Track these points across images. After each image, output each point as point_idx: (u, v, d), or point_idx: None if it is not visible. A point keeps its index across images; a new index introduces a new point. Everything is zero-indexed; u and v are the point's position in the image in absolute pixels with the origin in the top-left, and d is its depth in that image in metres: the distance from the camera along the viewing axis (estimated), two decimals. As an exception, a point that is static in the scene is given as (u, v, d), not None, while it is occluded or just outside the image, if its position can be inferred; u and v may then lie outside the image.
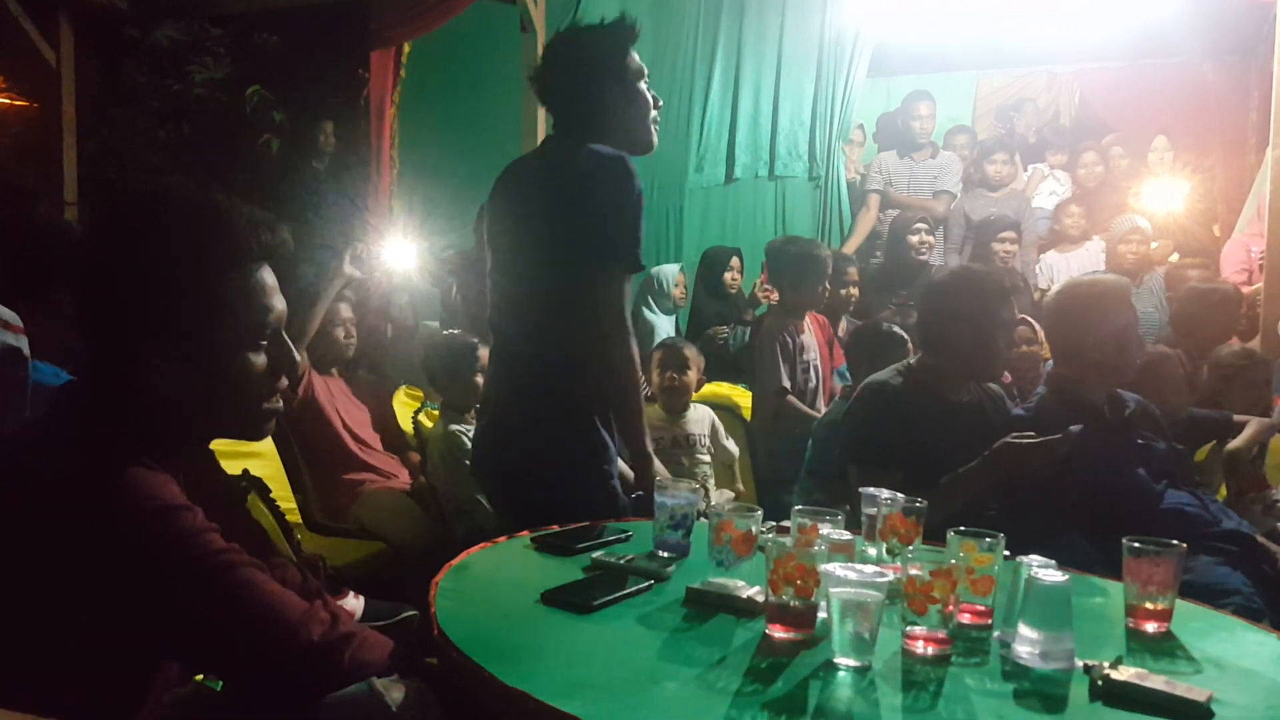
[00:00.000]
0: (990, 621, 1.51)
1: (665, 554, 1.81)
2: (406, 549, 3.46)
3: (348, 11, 6.09)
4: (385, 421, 4.02)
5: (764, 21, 6.34)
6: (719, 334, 5.03)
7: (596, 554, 1.80)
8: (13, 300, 1.95)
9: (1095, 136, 6.73)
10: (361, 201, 5.09)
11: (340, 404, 3.83)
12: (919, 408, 2.60)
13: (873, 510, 1.81)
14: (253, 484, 2.85)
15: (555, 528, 1.96)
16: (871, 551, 1.79)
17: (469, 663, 1.29)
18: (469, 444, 3.33)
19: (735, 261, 5.36)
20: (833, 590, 1.36)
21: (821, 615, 1.43)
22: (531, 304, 2.29)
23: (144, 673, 1.27)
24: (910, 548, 1.70)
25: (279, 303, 1.34)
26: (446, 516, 3.54)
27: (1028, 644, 1.39)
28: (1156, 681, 1.30)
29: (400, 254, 4.76)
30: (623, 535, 1.93)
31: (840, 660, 1.34)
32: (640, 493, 2.29)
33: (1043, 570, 1.43)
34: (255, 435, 1.38)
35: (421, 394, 4.28)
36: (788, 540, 1.52)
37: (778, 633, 1.43)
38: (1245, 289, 4.76)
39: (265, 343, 1.33)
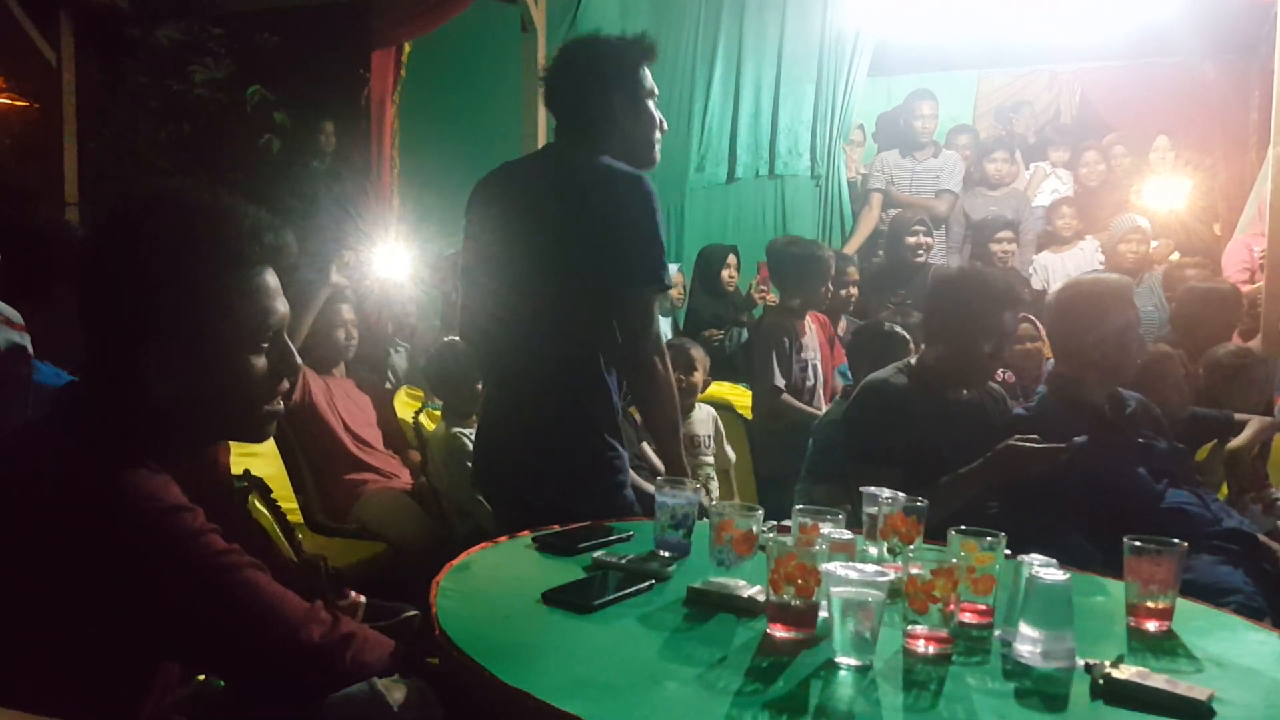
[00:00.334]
0: (991, 621, 1.51)
1: (666, 554, 1.81)
2: (407, 549, 3.46)
3: (349, 11, 6.08)
4: (386, 421, 4.03)
5: (764, 21, 6.34)
6: (713, 337, 5.04)
7: (597, 554, 1.79)
8: (13, 300, 1.96)
9: (1096, 135, 6.73)
10: (354, 207, 5.08)
11: (341, 404, 3.84)
12: (919, 406, 2.60)
13: (873, 510, 1.81)
14: (254, 484, 2.86)
15: (556, 527, 1.96)
16: (872, 551, 1.79)
17: (470, 662, 1.29)
18: (471, 446, 3.34)
19: (732, 259, 5.37)
20: (834, 590, 1.36)
21: (822, 615, 1.43)
22: (538, 319, 2.23)
23: (145, 673, 1.27)
24: (911, 547, 1.70)
25: (281, 305, 1.34)
26: (447, 516, 3.54)
27: (1029, 643, 1.39)
28: (1158, 680, 1.30)
29: (398, 258, 4.76)
30: (624, 535, 1.93)
31: (841, 660, 1.34)
32: None
33: (1044, 569, 1.43)
34: (256, 437, 1.38)
35: (422, 394, 4.29)
36: (789, 540, 1.52)
37: (779, 632, 1.43)
38: (1247, 288, 4.76)
39: (266, 345, 1.33)
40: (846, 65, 6.34)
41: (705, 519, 1.80)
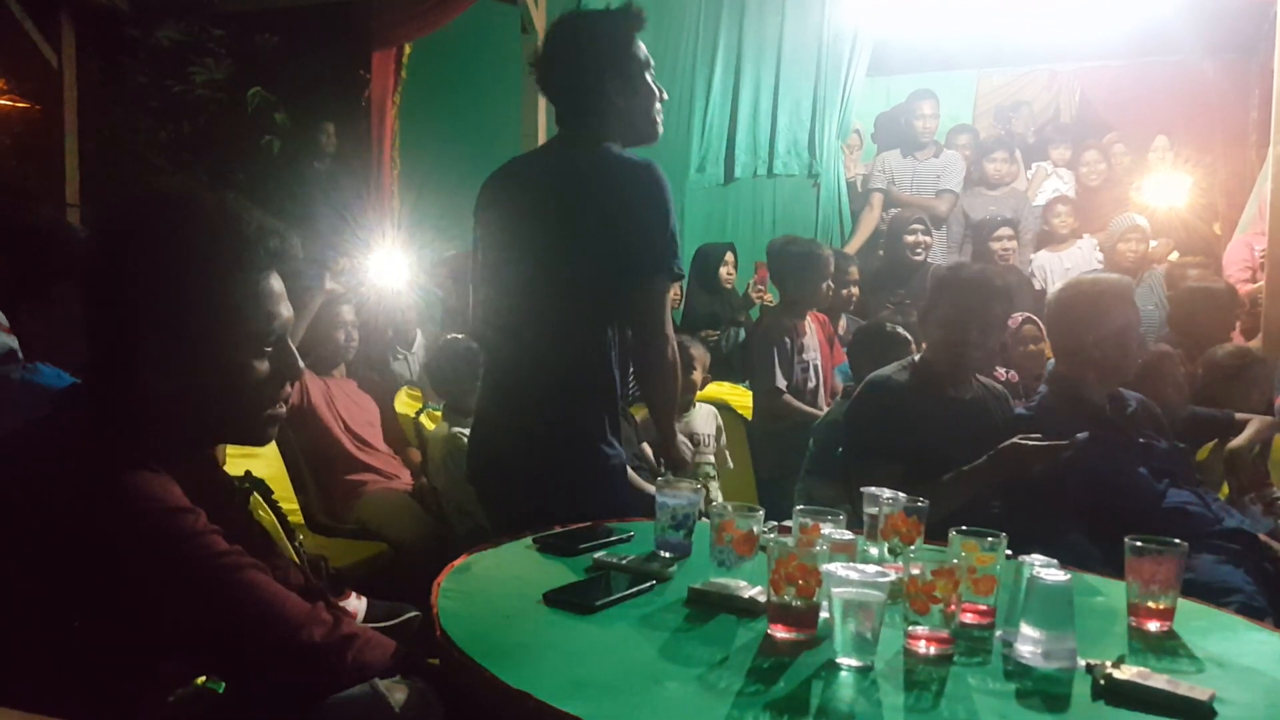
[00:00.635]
0: (992, 621, 1.51)
1: (667, 554, 1.81)
2: (408, 549, 3.46)
3: (349, 12, 6.08)
4: (387, 421, 4.03)
5: (764, 21, 6.34)
6: (710, 336, 5.04)
7: (598, 554, 1.80)
8: (13, 300, 1.96)
9: (1096, 135, 6.73)
10: (351, 213, 5.08)
11: (341, 405, 3.84)
12: (921, 404, 2.61)
13: (874, 510, 1.81)
14: (255, 485, 2.85)
15: (558, 528, 1.96)
16: (873, 551, 1.79)
17: (471, 663, 1.29)
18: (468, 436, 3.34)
19: (729, 257, 5.37)
20: (834, 590, 1.36)
21: (823, 615, 1.43)
22: (543, 317, 2.20)
23: (146, 673, 1.27)
24: (912, 547, 1.70)
25: (285, 309, 1.34)
26: (448, 517, 3.54)
27: (1030, 643, 1.39)
28: (1159, 681, 1.30)
29: (396, 264, 4.75)
30: (624, 536, 1.93)
31: (842, 660, 1.34)
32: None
33: (1045, 569, 1.43)
34: (258, 440, 1.38)
35: (420, 394, 4.29)
36: (789, 540, 1.52)
37: (779, 633, 1.43)
38: (1249, 287, 4.76)
39: (269, 349, 1.33)
40: (845, 65, 6.34)
41: (706, 518, 1.81)
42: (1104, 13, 5.97)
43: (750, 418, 4.17)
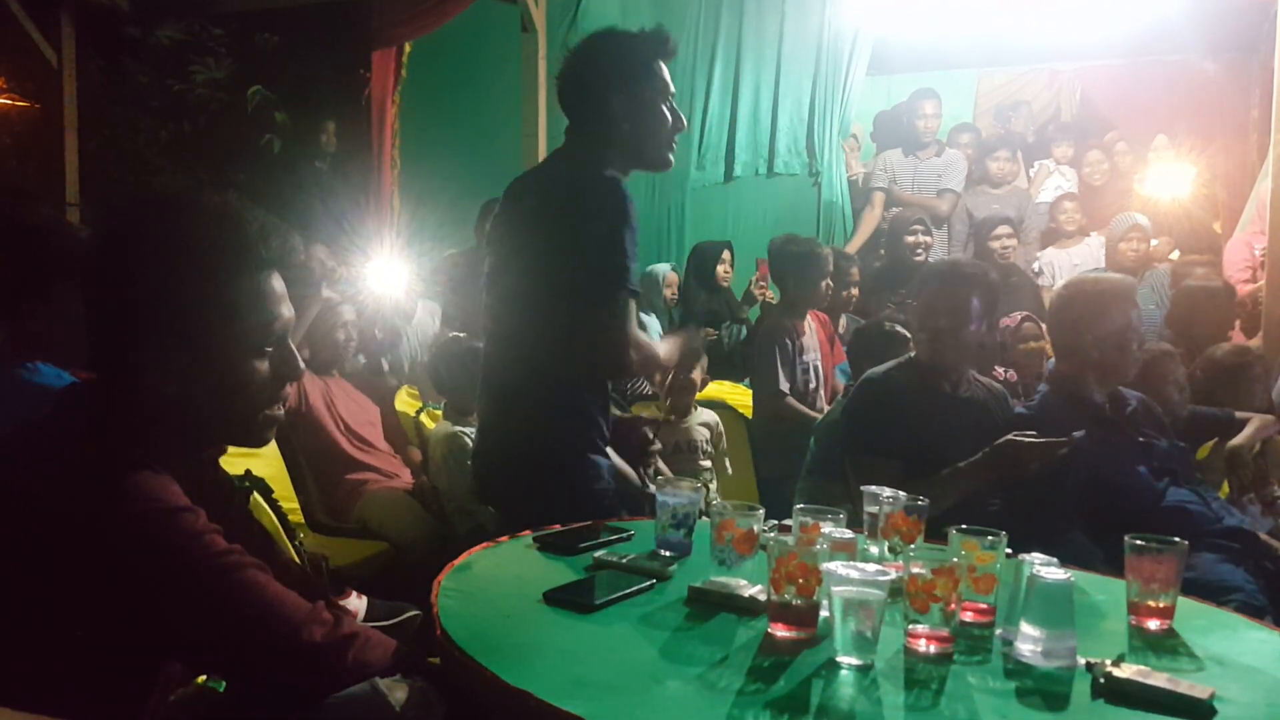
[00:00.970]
0: (992, 620, 1.51)
1: (667, 553, 1.81)
2: (408, 548, 3.46)
3: (349, 11, 6.09)
4: (387, 420, 4.04)
5: (764, 20, 6.34)
6: (710, 336, 5.04)
7: (598, 553, 1.80)
8: (14, 301, 1.96)
9: (1097, 134, 6.72)
10: (349, 221, 5.09)
11: (341, 405, 3.84)
12: (919, 401, 2.61)
13: (874, 509, 1.81)
14: (255, 484, 2.85)
15: (557, 527, 1.96)
16: (874, 550, 1.79)
17: (471, 662, 1.30)
18: (471, 445, 3.34)
19: (727, 255, 5.36)
20: (835, 589, 1.36)
21: (824, 614, 1.43)
22: (520, 331, 2.22)
23: (146, 673, 1.27)
24: (912, 546, 1.70)
25: (286, 310, 1.34)
26: (448, 516, 3.54)
27: (1030, 642, 1.39)
28: (1159, 679, 1.30)
29: (397, 264, 4.74)
30: (625, 535, 1.93)
31: (842, 659, 1.34)
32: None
33: (1045, 568, 1.43)
34: (257, 441, 1.38)
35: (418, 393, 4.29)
36: (790, 539, 1.52)
37: (780, 631, 1.43)
38: (1249, 287, 4.75)
39: (270, 349, 1.33)
40: (845, 64, 6.34)
41: (706, 518, 1.81)
42: (1104, 12, 5.96)
43: (751, 417, 4.17)
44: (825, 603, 1.42)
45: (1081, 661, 1.37)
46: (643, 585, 1.62)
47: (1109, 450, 2.62)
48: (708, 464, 3.76)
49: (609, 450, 2.32)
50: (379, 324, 4.48)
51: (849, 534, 1.68)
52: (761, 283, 5.15)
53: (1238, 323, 4.56)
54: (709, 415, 3.87)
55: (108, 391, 1.29)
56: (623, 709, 1.20)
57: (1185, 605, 1.65)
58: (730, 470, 3.87)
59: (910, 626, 1.42)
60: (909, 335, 3.45)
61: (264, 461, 3.43)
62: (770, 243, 4.45)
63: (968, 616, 1.50)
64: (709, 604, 1.56)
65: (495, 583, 1.66)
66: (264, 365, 1.32)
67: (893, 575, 1.43)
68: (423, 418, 4.05)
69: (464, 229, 5.02)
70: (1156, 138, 6.25)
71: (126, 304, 1.26)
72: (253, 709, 1.32)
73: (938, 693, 1.29)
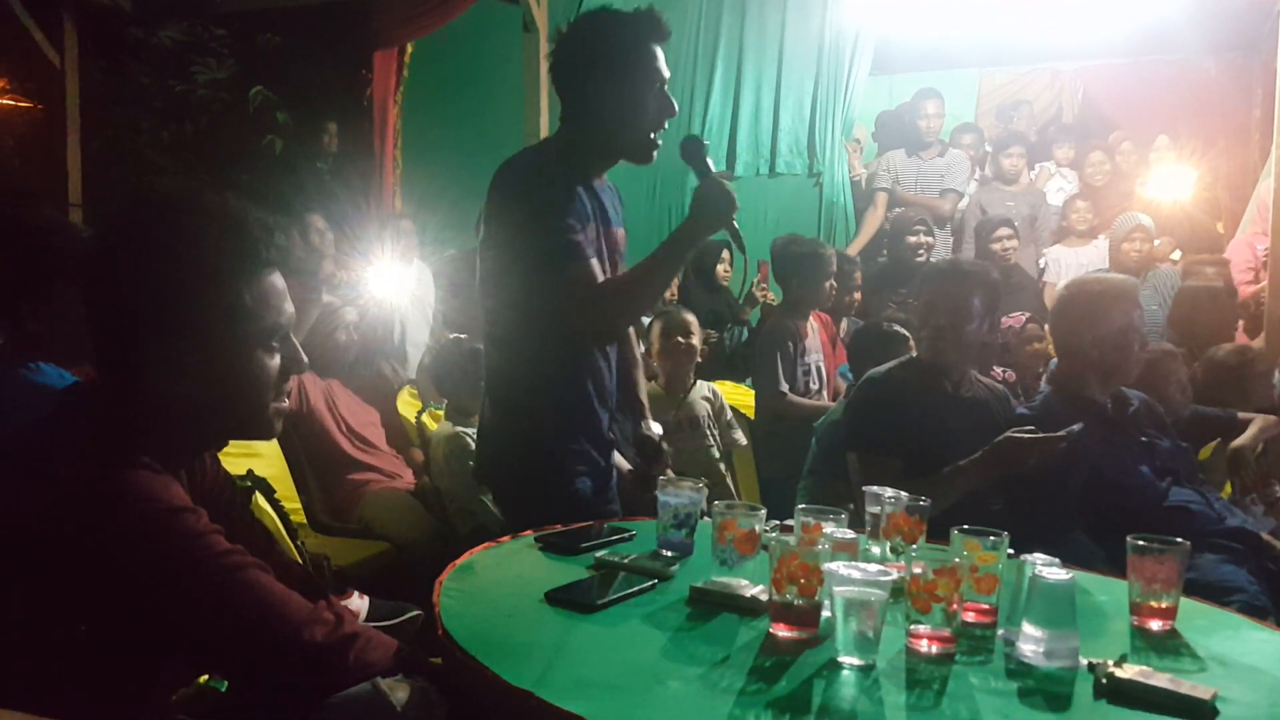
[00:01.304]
0: (994, 620, 1.51)
1: (669, 553, 1.81)
2: (410, 548, 3.47)
3: (351, 12, 6.09)
4: (389, 421, 4.04)
5: (765, 19, 6.34)
6: (709, 337, 5.04)
7: (600, 553, 1.80)
8: (16, 301, 1.96)
9: (1099, 134, 6.72)
10: (350, 225, 5.09)
11: (342, 406, 3.85)
12: (920, 400, 2.62)
13: (876, 509, 1.81)
14: (257, 484, 2.86)
15: (559, 527, 1.96)
16: (875, 550, 1.79)
17: (473, 662, 1.30)
18: (473, 445, 3.34)
19: (726, 254, 5.36)
20: (836, 589, 1.36)
21: (825, 614, 1.43)
22: (501, 330, 2.22)
23: (148, 673, 1.27)
24: (914, 546, 1.70)
25: (289, 305, 1.37)
26: (450, 516, 3.54)
27: (1032, 642, 1.39)
28: (1161, 679, 1.30)
29: (394, 275, 4.72)
30: (626, 535, 1.94)
31: (844, 659, 1.34)
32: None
33: (1047, 568, 1.43)
34: (270, 434, 1.40)
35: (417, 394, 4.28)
36: (791, 539, 1.52)
37: (781, 631, 1.43)
38: (1252, 287, 4.75)
39: (277, 344, 1.35)
40: (847, 64, 6.33)
41: (708, 517, 1.81)
42: (1106, 11, 5.96)
43: (753, 417, 4.17)
44: (827, 603, 1.42)
45: (1083, 662, 1.37)
46: (644, 585, 1.62)
47: (1111, 450, 2.62)
48: (710, 442, 3.72)
49: (612, 453, 2.31)
50: (380, 326, 4.48)
51: (851, 534, 1.68)
52: (763, 284, 5.15)
53: (1240, 323, 4.55)
54: (707, 387, 3.83)
55: (109, 392, 1.30)
56: (624, 709, 1.20)
57: (1187, 606, 1.65)
58: (744, 441, 3.82)
59: (912, 627, 1.42)
60: (908, 335, 3.45)
61: (266, 462, 3.43)
62: (773, 243, 4.45)
63: (970, 617, 1.50)
64: (711, 604, 1.56)
65: (497, 583, 1.66)
66: (274, 360, 1.35)
67: (894, 575, 1.43)
68: (424, 418, 4.05)
69: (466, 230, 5.02)
70: (1158, 138, 6.24)
71: (131, 305, 1.27)
72: (255, 709, 1.32)
73: (939, 693, 1.29)
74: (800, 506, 1.80)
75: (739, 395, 4.39)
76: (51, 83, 5.59)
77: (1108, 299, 2.72)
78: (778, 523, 1.85)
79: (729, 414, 3.85)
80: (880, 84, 7.00)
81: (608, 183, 2.32)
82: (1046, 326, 3.94)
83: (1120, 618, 1.62)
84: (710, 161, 2.10)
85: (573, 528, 1.96)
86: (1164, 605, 1.59)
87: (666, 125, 2.18)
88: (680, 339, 3.70)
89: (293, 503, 3.47)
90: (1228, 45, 6.12)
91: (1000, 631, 1.49)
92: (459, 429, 3.51)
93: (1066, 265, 5.65)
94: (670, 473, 2.30)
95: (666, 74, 2.16)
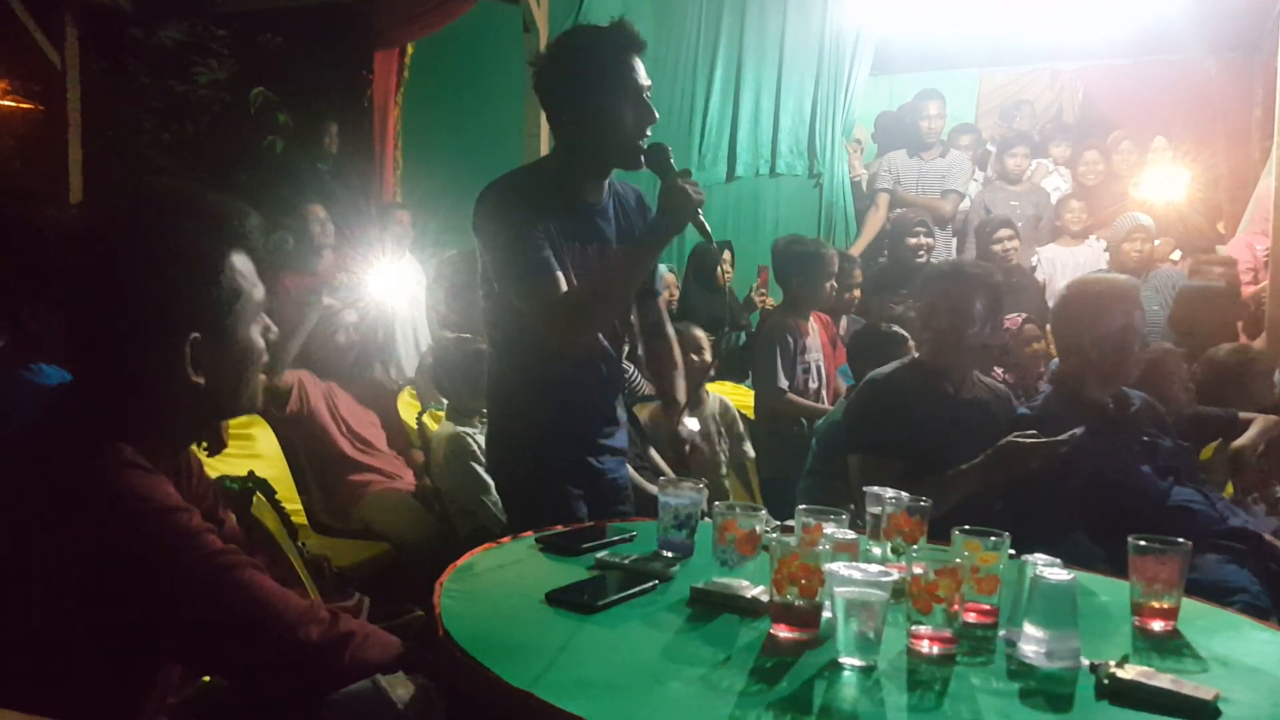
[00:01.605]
0: (996, 620, 1.51)
1: (669, 554, 1.81)
2: (411, 549, 3.46)
3: (351, 12, 6.09)
4: (390, 421, 4.04)
5: (765, 19, 6.33)
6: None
7: (601, 554, 1.80)
8: (17, 301, 1.96)
9: (1099, 134, 6.71)
10: (350, 232, 5.09)
11: (343, 407, 3.85)
12: (921, 401, 2.61)
13: (877, 509, 1.80)
14: (258, 485, 2.86)
15: (559, 528, 1.96)
16: (876, 551, 1.79)
17: (474, 663, 1.30)
18: (475, 446, 3.34)
19: (726, 255, 5.35)
20: (837, 590, 1.36)
21: (826, 615, 1.43)
22: (490, 336, 2.36)
23: (145, 673, 1.27)
24: (915, 547, 1.70)
25: (259, 283, 1.39)
26: (450, 517, 3.54)
27: (1033, 643, 1.39)
28: (1163, 680, 1.30)
29: (395, 278, 4.71)
30: (627, 535, 1.93)
31: (845, 660, 1.34)
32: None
33: (1048, 569, 1.43)
34: (258, 406, 1.44)
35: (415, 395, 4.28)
36: (792, 540, 1.52)
37: (782, 632, 1.43)
38: (1251, 288, 4.74)
39: (257, 320, 1.38)
40: (848, 64, 6.33)
41: (708, 518, 1.81)
42: (1106, 12, 5.95)
43: (753, 417, 4.17)
44: (828, 604, 1.41)
45: (1085, 662, 1.37)
46: (645, 586, 1.62)
47: (1113, 450, 2.62)
48: (721, 458, 3.75)
49: (606, 458, 2.34)
50: (380, 327, 4.48)
51: (851, 535, 1.68)
52: (762, 289, 5.15)
53: (1239, 324, 4.54)
54: (719, 401, 3.85)
55: (96, 391, 1.29)
56: (625, 710, 1.20)
57: (1189, 606, 1.65)
58: (752, 454, 3.84)
59: (913, 627, 1.42)
60: (908, 336, 3.45)
61: (266, 463, 3.44)
62: (774, 243, 4.45)
63: (971, 617, 1.50)
64: (711, 605, 1.56)
65: (497, 583, 1.66)
66: (259, 336, 1.38)
67: (895, 576, 1.43)
68: (425, 419, 4.05)
69: (466, 231, 4.99)
70: (1155, 139, 6.23)
71: (126, 302, 1.27)
72: (256, 709, 1.32)
73: (941, 694, 1.29)
74: (801, 507, 1.80)
75: (739, 396, 4.40)
76: (52, 83, 5.59)
77: (1108, 299, 2.72)
78: (778, 523, 1.85)
79: (740, 426, 3.87)
80: (880, 84, 7.00)
81: (621, 199, 2.33)
82: (1048, 327, 3.93)
83: (1122, 618, 1.62)
84: (673, 164, 2.16)
85: (573, 528, 1.96)
86: (1166, 605, 1.59)
87: (649, 132, 2.21)
88: (694, 356, 3.74)
89: (293, 504, 3.47)
90: (1228, 45, 6.11)
91: (1001, 632, 1.49)
92: (460, 429, 3.50)
93: (1062, 265, 5.63)
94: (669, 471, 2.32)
95: (646, 82, 2.20)
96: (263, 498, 2.82)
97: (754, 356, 4.19)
